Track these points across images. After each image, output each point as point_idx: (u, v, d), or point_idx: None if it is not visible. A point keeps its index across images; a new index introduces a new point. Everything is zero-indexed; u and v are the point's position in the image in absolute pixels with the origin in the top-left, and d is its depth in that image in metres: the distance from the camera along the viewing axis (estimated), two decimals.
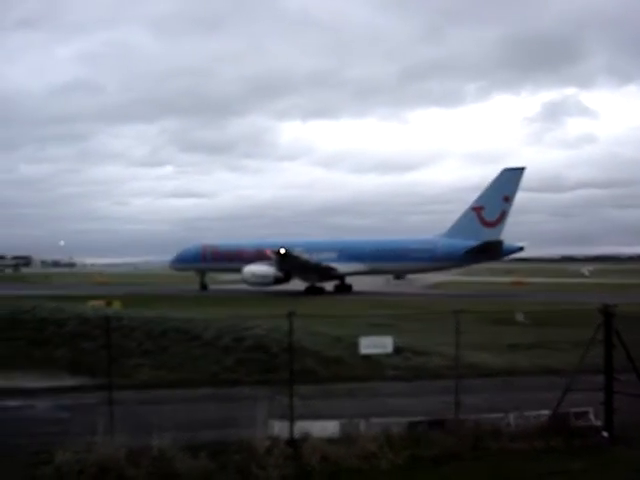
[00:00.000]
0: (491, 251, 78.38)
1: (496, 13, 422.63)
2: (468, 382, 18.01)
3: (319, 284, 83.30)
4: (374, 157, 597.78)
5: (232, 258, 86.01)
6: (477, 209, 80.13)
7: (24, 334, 31.42)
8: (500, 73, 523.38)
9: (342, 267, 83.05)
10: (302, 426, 15.08)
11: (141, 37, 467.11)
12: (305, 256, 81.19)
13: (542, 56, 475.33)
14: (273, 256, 78.00)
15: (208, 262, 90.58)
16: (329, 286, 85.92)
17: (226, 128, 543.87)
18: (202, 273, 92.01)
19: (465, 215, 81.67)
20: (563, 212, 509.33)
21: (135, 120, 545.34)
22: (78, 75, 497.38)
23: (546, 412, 16.27)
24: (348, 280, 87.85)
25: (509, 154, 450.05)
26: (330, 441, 14.53)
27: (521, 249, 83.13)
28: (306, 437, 14.62)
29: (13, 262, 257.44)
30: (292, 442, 14.53)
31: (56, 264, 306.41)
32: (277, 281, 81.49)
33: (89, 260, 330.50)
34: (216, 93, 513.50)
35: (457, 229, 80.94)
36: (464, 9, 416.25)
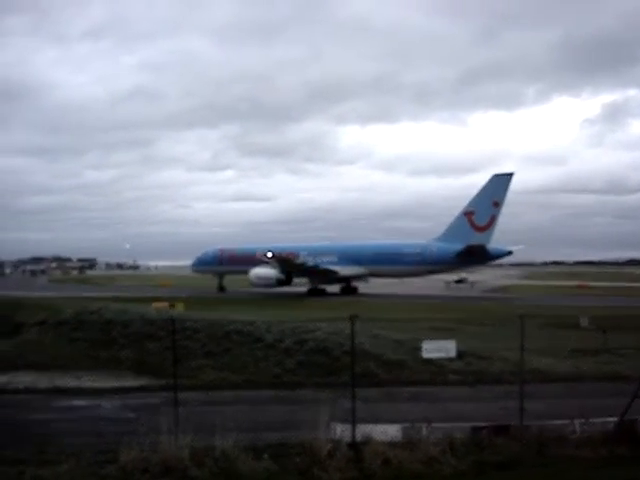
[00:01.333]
0: (477, 255, 79.62)
1: (554, 15, 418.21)
2: (532, 387, 17.70)
3: (322, 286, 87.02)
4: (433, 160, 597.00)
5: (246, 261, 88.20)
6: (468, 214, 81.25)
7: (90, 335, 32.10)
8: (559, 75, 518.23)
9: (343, 270, 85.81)
10: (364, 429, 15.04)
11: (203, 45, 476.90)
12: (300, 259, 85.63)
13: (602, 58, 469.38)
14: (264, 259, 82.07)
15: (224, 265, 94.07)
16: (331, 288, 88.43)
17: (286, 132, 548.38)
18: (220, 275, 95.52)
19: (457, 220, 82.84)
20: (628, 214, 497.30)
21: (197, 126, 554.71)
22: (141, 83, 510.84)
23: (612, 419, 15.90)
24: (355, 282, 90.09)
25: (570, 156, 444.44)
26: (392, 445, 14.44)
27: (510, 253, 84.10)
28: (368, 440, 14.56)
29: (78, 264, 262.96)
30: (354, 445, 14.50)
31: (120, 266, 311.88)
32: (279, 283, 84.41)
33: (152, 262, 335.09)
34: (276, 98, 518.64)
35: (450, 233, 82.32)
36: (520, 12, 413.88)
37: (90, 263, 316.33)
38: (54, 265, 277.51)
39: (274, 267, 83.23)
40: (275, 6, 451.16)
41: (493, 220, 79.56)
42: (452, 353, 16.83)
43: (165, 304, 48.56)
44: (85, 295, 67.22)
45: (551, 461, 14.37)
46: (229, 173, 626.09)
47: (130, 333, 30.76)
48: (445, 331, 26.67)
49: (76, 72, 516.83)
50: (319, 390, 21.04)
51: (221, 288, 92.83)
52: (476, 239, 78.43)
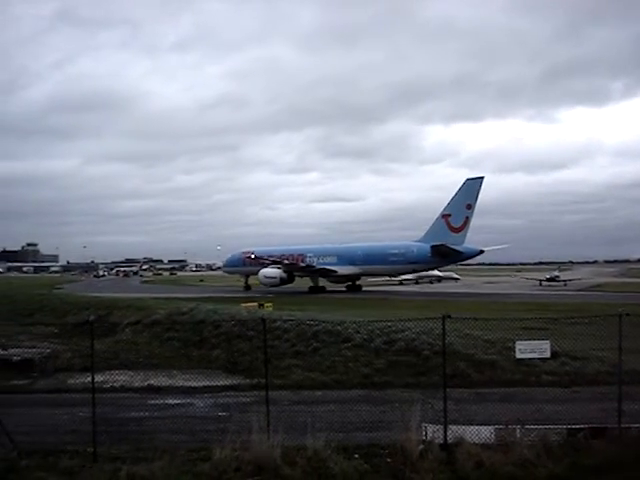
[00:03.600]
0: (443, 254, 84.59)
1: (636, 9, 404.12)
2: (631, 389, 17.08)
3: (330, 284, 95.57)
4: (519, 157, 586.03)
5: (264, 262, 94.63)
6: (446, 216, 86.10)
7: (182, 335, 32.71)
8: None
9: (341, 269, 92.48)
10: (456, 431, 14.85)
11: (286, 52, 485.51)
12: (307, 260, 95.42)
13: None
14: (250, 261, 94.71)
15: (247, 266, 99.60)
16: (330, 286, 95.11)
17: (370, 134, 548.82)
18: (246, 276, 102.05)
19: (436, 222, 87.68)
20: None
21: (281, 129, 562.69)
22: (228, 90, 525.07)
23: None
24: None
25: None
26: (485, 447, 14.20)
27: (481, 252, 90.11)
28: (460, 442, 14.36)
29: (169, 266, 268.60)
30: (446, 447, 14.33)
31: (210, 267, 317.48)
32: (282, 282, 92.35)
33: None
34: (359, 101, 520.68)
35: (430, 235, 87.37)
36: (604, 8, 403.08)
37: (181, 265, 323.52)
38: (146, 267, 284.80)
39: (280, 268, 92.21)
40: (356, 11, 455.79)
41: (467, 221, 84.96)
42: (546, 353, 16.43)
43: (254, 304, 49.10)
44: (175, 296, 68.61)
45: None
46: (314, 175, 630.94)
47: (221, 333, 31.17)
48: (538, 330, 26.01)
49: (166, 82, 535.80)
50: (409, 390, 20.90)
51: (247, 287, 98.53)
52: (452, 239, 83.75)
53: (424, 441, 14.34)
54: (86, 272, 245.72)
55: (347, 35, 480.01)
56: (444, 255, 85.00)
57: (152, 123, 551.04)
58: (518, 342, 16.32)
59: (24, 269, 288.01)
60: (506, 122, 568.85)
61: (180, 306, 40.78)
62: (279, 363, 25.20)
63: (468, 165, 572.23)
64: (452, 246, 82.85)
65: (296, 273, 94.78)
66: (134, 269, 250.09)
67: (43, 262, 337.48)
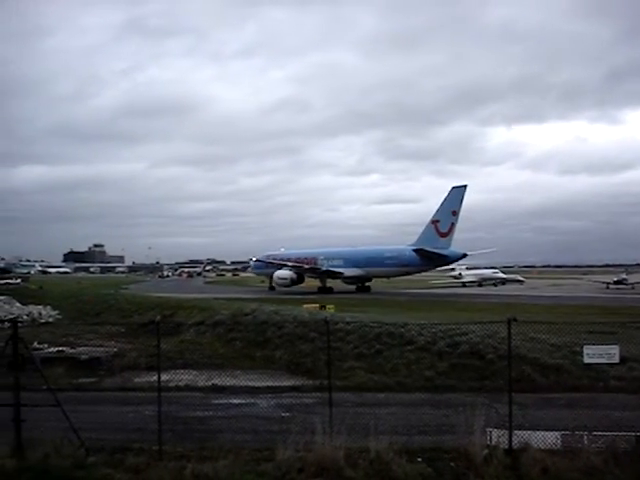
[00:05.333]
0: (430, 257, 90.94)
1: None
2: None
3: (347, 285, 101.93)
4: (583, 158, 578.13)
5: (283, 265, 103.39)
6: (435, 222, 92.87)
7: (245, 336, 32.98)
8: None
9: (347, 271, 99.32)
10: (521, 436, 14.64)
11: (347, 57, 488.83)
12: (318, 263, 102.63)
13: None
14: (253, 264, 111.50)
15: (269, 268, 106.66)
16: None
17: (431, 136, 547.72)
18: (270, 277, 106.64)
19: (427, 227, 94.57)
20: None
21: (343, 133, 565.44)
22: (290, 95, 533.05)
23: None
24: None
25: None
26: (550, 453, 13.96)
27: (464, 256, 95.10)
28: (525, 447, 14.15)
29: (232, 267, 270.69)
30: (511, 452, 14.13)
31: None
32: (293, 282, 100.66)
33: None
34: (420, 103, 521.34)
35: (421, 239, 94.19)
36: None
37: (243, 266, 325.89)
38: (209, 267, 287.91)
39: (291, 269, 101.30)
40: (416, 16, 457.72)
41: (452, 227, 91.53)
42: (615, 358, 16.06)
43: (316, 306, 49.26)
44: (238, 296, 69.26)
45: None
46: (375, 177, 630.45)
47: (284, 334, 31.34)
48: (605, 335, 25.45)
49: (230, 87, 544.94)
50: (472, 394, 20.67)
51: (271, 287, 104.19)
52: (440, 244, 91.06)
53: (488, 446, 14.16)
54: (151, 273, 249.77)
55: (407, 39, 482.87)
56: (429, 258, 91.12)
57: (217, 127, 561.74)
58: (586, 347, 16.00)
59: (91, 269, 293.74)
60: (569, 124, 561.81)
61: (243, 307, 41.14)
62: (341, 365, 25.20)
63: (531, 167, 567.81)
64: (431, 250, 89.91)
65: (307, 275, 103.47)
66: (198, 270, 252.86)
67: (109, 263, 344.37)
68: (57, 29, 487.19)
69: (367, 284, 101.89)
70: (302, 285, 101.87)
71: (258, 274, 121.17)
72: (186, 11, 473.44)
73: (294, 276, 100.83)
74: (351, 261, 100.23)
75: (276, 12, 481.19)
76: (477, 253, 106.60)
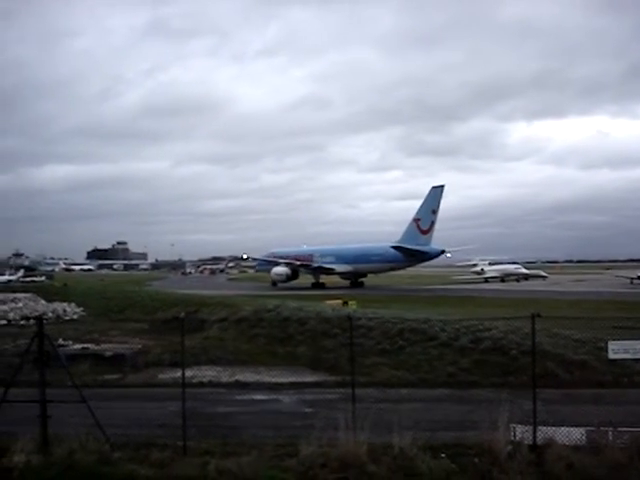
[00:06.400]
0: (410, 254, 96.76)
1: None
2: None
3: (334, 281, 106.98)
4: (605, 153, 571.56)
5: (287, 262, 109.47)
6: (416, 220, 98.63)
7: (268, 332, 33.08)
8: None
9: (338, 268, 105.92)
10: (545, 432, 14.56)
11: (367, 55, 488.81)
12: (314, 260, 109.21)
13: None
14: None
15: (271, 265, 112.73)
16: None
17: (451, 132, 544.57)
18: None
19: (410, 225, 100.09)
20: None
21: (363, 129, 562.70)
22: (311, 92, 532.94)
23: None
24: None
25: None
26: (575, 449, 13.86)
27: (442, 252, 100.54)
28: (550, 443, 14.06)
29: (255, 263, 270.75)
30: (535, 448, 14.07)
31: None
32: (288, 278, 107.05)
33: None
34: (440, 100, 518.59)
35: (404, 237, 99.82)
36: None
37: None
38: (232, 264, 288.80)
39: (286, 266, 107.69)
40: (435, 13, 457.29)
41: (432, 225, 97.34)
42: None
43: (339, 302, 49.28)
44: (260, 293, 69.48)
45: None
46: (395, 173, 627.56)
47: (306, 330, 31.43)
48: (630, 330, 25.26)
49: (252, 86, 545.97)
50: (496, 390, 20.59)
51: (273, 283, 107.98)
52: (422, 241, 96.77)
53: (512, 441, 14.08)
54: (174, 270, 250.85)
55: (426, 37, 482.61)
56: (411, 254, 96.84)
57: (238, 125, 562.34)
58: (611, 342, 15.87)
59: (114, 267, 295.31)
60: (591, 118, 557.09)
61: (266, 303, 41.20)
62: (364, 361, 25.15)
63: (553, 162, 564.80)
64: (408, 247, 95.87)
65: (302, 271, 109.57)
66: (220, 266, 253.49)
67: (132, 260, 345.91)
68: (83, 31, 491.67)
69: (361, 280, 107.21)
70: (306, 282, 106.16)
71: (261, 271, 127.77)
72: (209, 12, 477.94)
73: (289, 272, 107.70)
74: (341, 258, 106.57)
75: (297, 12, 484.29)
76: (457, 249, 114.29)
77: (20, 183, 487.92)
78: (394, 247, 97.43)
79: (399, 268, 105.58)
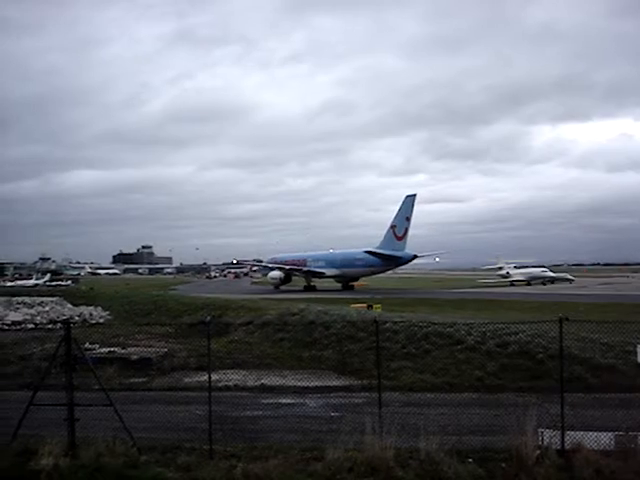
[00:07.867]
0: (387, 258, 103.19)
1: None
2: None
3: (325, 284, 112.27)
4: (630, 155, 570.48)
5: (293, 268, 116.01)
6: (393, 227, 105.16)
7: (293, 336, 33.07)
8: None
9: (328, 272, 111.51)
10: (573, 436, 14.41)
11: (391, 60, 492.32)
12: (306, 264, 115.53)
13: None
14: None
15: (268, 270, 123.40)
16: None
17: (476, 135, 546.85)
18: None
19: (387, 232, 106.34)
20: None
21: (388, 133, 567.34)
22: (336, 98, 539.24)
23: None
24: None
25: None
26: (604, 453, 13.73)
27: (415, 257, 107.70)
28: (578, 448, 13.92)
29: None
30: (563, 453, 13.95)
31: None
32: (282, 282, 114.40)
33: None
34: (464, 104, 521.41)
35: (383, 242, 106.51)
36: None
37: None
38: (255, 268, 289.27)
39: (281, 270, 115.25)
40: (459, 19, 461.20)
41: (406, 231, 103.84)
42: None
43: (364, 305, 49.21)
44: (285, 297, 69.53)
45: None
46: (420, 177, 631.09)
47: (331, 334, 31.34)
48: None
49: (278, 93, 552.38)
50: (523, 394, 20.44)
51: (276, 287, 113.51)
52: (398, 246, 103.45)
53: (540, 446, 13.95)
54: (198, 273, 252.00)
55: (450, 42, 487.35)
56: (387, 259, 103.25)
57: (264, 131, 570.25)
58: (639, 346, 15.74)
59: (139, 271, 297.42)
60: (615, 121, 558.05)
61: (290, 307, 41.22)
62: (390, 364, 25.14)
63: (578, 164, 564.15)
64: (379, 251, 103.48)
65: (295, 275, 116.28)
66: (244, 270, 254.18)
67: (157, 264, 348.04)
68: (111, 40, 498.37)
69: (352, 283, 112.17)
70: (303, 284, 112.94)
71: (264, 275, 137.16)
72: (235, 21, 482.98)
73: (282, 276, 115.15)
74: (330, 263, 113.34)
75: (322, 19, 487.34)
76: (426, 254, 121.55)
77: (47, 188, 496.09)
78: (367, 252, 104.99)
79: (379, 272, 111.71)
